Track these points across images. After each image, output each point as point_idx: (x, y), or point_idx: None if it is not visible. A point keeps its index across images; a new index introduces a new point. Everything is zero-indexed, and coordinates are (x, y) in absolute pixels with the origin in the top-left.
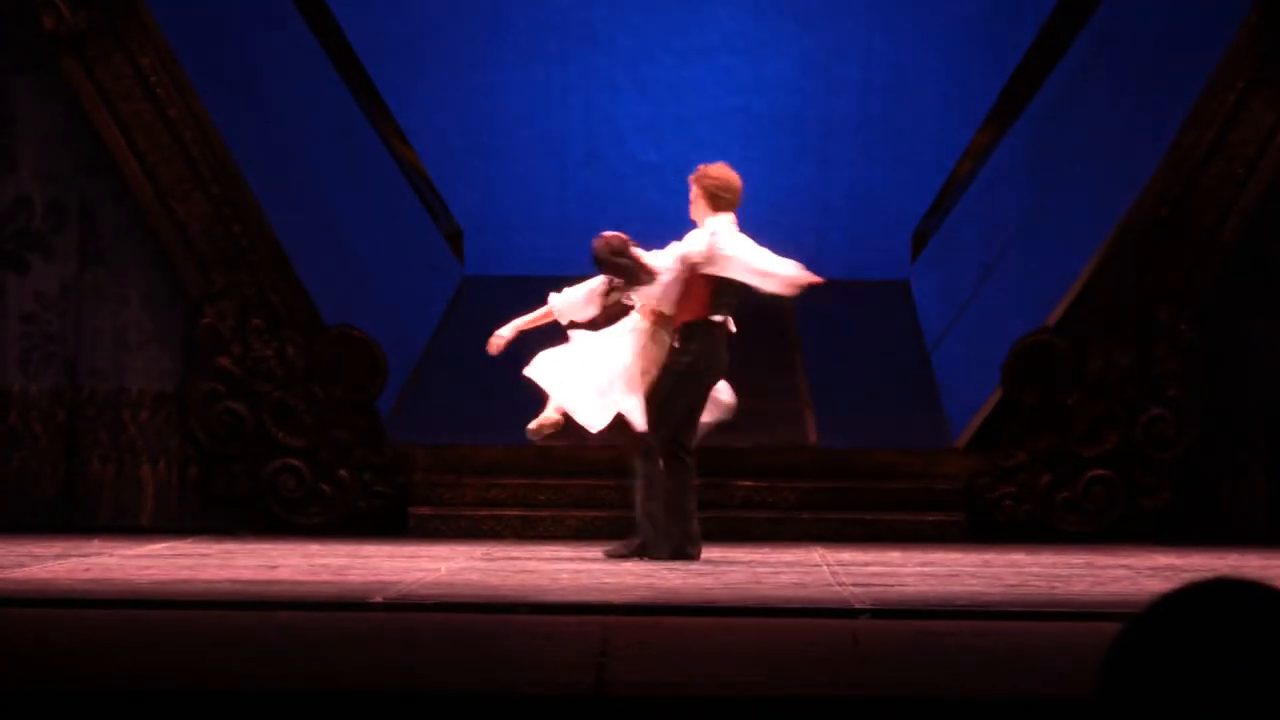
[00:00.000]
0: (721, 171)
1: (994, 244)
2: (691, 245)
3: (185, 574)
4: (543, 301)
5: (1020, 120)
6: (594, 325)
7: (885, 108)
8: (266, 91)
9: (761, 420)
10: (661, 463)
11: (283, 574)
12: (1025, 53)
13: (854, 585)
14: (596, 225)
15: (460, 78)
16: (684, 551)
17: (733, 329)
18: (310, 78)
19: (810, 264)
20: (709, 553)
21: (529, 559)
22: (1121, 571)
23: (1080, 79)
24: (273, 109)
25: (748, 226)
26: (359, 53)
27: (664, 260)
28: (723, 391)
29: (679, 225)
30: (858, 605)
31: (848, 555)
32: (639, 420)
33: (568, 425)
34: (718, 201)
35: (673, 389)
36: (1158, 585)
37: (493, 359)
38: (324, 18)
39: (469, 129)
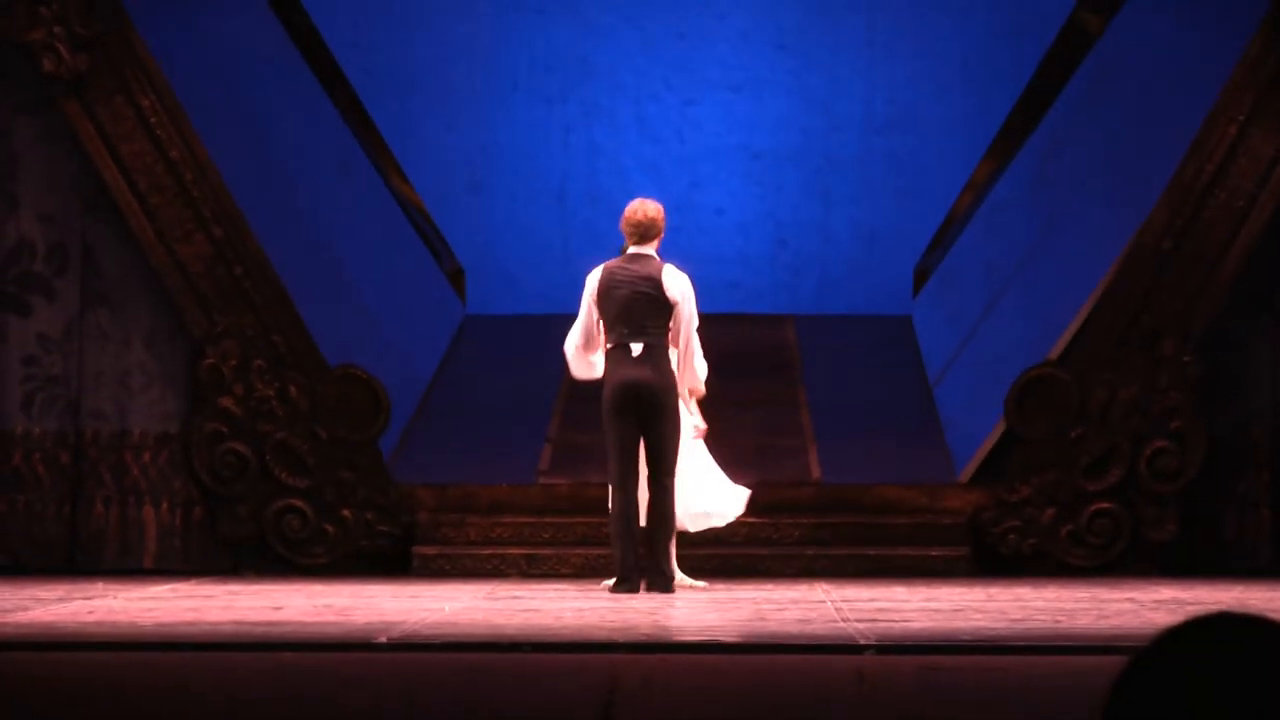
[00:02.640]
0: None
1: (996, 278)
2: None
3: (189, 616)
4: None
5: (1022, 154)
6: None
7: (886, 143)
8: (267, 131)
9: (764, 456)
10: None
11: (287, 615)
12: (1026, 86)
13: (859, 621)
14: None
15: (461, 116)
16: (620, 582)
17: (634, 350)
18: (311, 117)
19: (813, 299)
20: (714, 590)
21: (533, 597)
22: (1126, 605)
23: (1081, 112)
24: (273, 149)
25: (754, 263)
26: (360, 92)
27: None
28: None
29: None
30: (863, 641)
31: (852, 591)
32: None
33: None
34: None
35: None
36: (1162, 618)
37: (495, 398)
38: (325, 56)
39: (470, 167)
